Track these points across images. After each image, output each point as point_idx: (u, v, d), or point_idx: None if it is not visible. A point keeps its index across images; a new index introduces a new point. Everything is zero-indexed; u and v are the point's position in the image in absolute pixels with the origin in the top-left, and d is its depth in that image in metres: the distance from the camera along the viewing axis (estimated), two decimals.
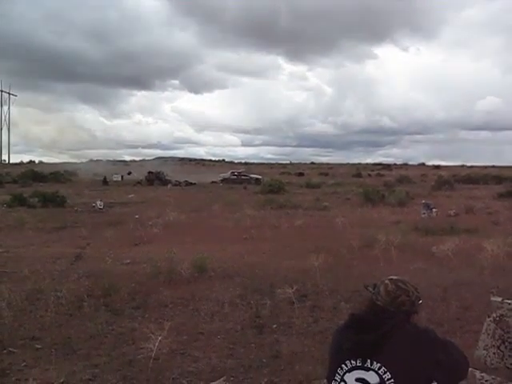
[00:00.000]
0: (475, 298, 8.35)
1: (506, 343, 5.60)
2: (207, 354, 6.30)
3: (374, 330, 2.43)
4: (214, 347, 6.56)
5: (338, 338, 2.61)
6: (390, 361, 2.38)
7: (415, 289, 2.61)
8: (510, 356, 5.44)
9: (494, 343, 5.69)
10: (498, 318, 5.73)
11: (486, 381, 4.92)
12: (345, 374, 2.49)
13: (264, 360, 6.11)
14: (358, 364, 2.46)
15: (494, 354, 5.66)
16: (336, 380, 2.52)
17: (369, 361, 2.42)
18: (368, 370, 2.42)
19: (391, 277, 2.64)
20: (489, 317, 5.87)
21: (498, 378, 4.98)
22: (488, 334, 5.78)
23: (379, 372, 2.39)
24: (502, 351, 5.61)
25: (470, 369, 5.19)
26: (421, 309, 2.70)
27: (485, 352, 5.74)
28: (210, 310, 8.16)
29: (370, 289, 2.65)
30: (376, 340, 2.41)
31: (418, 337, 2.46)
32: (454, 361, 2.52)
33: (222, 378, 5.37)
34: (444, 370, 2.44)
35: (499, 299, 5.91)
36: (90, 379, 5.56)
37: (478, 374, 5.09)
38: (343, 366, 2.50)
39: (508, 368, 5.45)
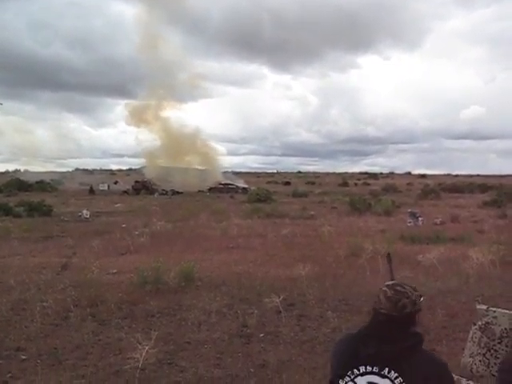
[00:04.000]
0: (461, 306, 8.41)
1: (492, 351, 5.64)
2: (194, 364, 6.28)
3: (399, 341, 2.46)
4: (201, 357, 6.54)
5: (353, 343, 2.61)
6: (408, 374, 2.41)
7: (413, 288, 2.64)
8: (495, 363, 5.48)
9: (479, 351, 5.73)
10: (483, 326, 5.77)
11: None
12: (356, 376, 2.52)
13: (251, 369, 6.10)
14: (374, 370, 2.48)
15: (479, 361, 5.70)
16: (345, 381, 2.54)
17: (386, 369, 2.45)
18: (384, 377, 2.45)
19: (388, 283, 2.67)
20: (474, 325, 5.91)
21: None
22: (474, 342, 5.82)
23: (395, 381, 2.42)
24: (488, 359, 5.65)
25: (456, 377, 5.23)
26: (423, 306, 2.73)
27: (471, 360, 5.78)
28: (197, 319, 8.14)
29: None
30: (400, 351, 2.45)
31: (443, 369, 2.49)
32: None
33: None
34: None
35: (484, 307, 5.96)
36: None
37: (464, 381, 5.12)
38: (355, 370, 2.52)
39: (493, 375, 5.47)
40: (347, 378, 2.54)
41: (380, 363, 2.48)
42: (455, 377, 5.22)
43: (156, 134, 71.40)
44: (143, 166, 72.71)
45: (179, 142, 68.68)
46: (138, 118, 72.08)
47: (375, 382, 2.47)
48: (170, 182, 59.44)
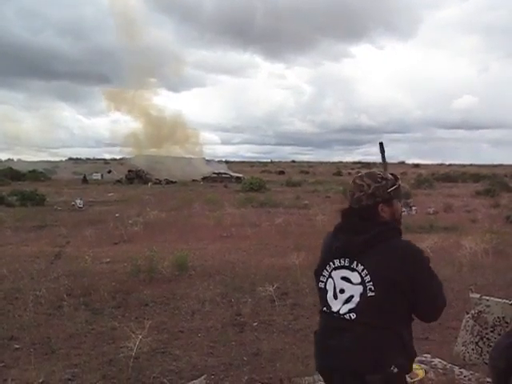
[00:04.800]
0: (454, 295, 8.43)
1: (484, 339, 5.66)
2: (188, 353, 6.28)
3: (364, 233, 2.52)
4: (195, 345, 6.54)
5: (331, 238, 2.70)
6: (373, 265, 2.47)
7: (383, 178, 2.65)
8: (487, 352, 5.50)
9: (472, 339, 5.75)
10: (476, 315, 5.79)
11: (465, 376, 4.98)
12: (332, 270, 2.62)
13: (245, 358, 6.11)
14: (345, 264, 2.56)
15: (472, 350, 5.72)
16: (324, 275, 2.66)
17: (355, 262, 2.51)
18: (353, 270, 2.52)
19: (359, 174, 2.72)
20: (467, 313, 5.93)
21: (477, 374, 5.04)
22: (467, 331, 5.84)
23: (361, 274, 2.48)
24: (481, 347, 5.67)
25: (449, 365, 5.26)
26: (401, 193, 2.74)
27: (463, 348, 5.80)
28: (190, 308, 8.14)
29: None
30: (364, 242, 2.50)
31: (406, 250, 2.52)
32: (431, 291, 2.55)
33: (203, 377, 5.36)
34: (419, 294, 2.49)
35: (477, 296, 5.98)
36: (69, 379, 5.51)
37: (456, 369, 5.15)
38: (331, 263, 2.62)
39: (486, 363, 5.50)
40: (325, 273, 2.66)
41: (349, 256, 2.55)
42: (448, 365, 5.25)
43: (136, 120, 71.07)
44: (133, 155, 72.08)
45: (159, 129, 67.96)
46: (115, 104, 71.65)
47: (346, 276, 2.55)
48: (160, 170, 58.91)
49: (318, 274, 2.72)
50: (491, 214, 21.61)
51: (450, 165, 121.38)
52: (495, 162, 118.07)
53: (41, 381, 5.37)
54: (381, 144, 2.96)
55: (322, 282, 2.68)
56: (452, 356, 5.74)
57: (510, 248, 12.39)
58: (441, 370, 5.11)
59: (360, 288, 2.48)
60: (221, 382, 5.45)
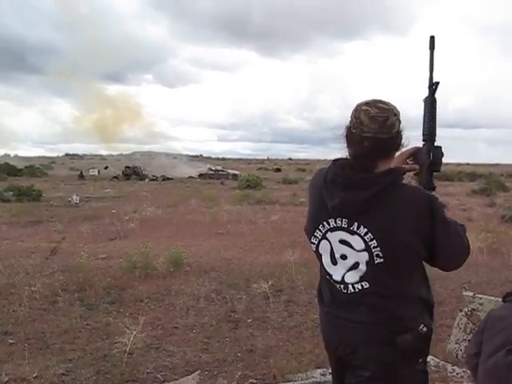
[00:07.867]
0: (448, 293, 8.48)
1: None
2: (182, 349, 6.29)
3: (366, 188, 2.12)
4: (189, 342, 6.55)
5: (320, 189, 2.33)
6: (378, 226, 2.13)
7: (396, 110, 2.24)
8: None
9: (465, 337, 5.77)
10: (469, 313, 5.82)
11: (457, 374, 5.01)
12: (327, 232, 2.29)
13: (239, 354, 6.12)
14: (343, 225, 2.21)
15: (465, 347, 5.75)
16: (316, 236, 2.34)
17: (356, 224, 2.16)
18: (353, 233, 2.18)
19: (365, 101, 2.24)
20: (461, 311, 5.96)
21: (469, 372, 5.06)
22: (460, 328, 5.87)
23: (365, 238, 2.15)
24: None
25: (442, 362, 5.29)
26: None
27: (457, 346, 5.83)
28: (185, 304, 8.15)
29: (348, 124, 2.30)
30: (366, 200, 2.12)
31: (416, 200, 2.15)
32: (450, 243, 2.19)
33: (197, 372, 5.38)
34: (436, 248, 2.15)
35: (471, 294, 6.01)
36: (63, 374, 5.51)
37: (449, 367, 5.18)
38: (325, 223, 2.28)
39: None
40: (318, 233, 2.33)
41: (348, 216, 2.19)
42: (440, 362, 5.28)
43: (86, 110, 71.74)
44: (132, 152, 72.27)
45: (110, 119, 67.66)
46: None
47: (345, 239, 2.22)
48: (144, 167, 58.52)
49: (308, 232, 2.39)
50: (487, 212, 21.66)
51: (446, 163, 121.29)
52: (492, 162, 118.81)
53: (35, 375, 5.38)
54: (432, 38, 2.40)
55: (314, 243, 2.35)
56: (445, 354, 5.76)
57: (504, 247, 12.42)
58: (434, 368, 5.13)
59: (365, 255, 2.16)
60: (214, 377, 5.46)
